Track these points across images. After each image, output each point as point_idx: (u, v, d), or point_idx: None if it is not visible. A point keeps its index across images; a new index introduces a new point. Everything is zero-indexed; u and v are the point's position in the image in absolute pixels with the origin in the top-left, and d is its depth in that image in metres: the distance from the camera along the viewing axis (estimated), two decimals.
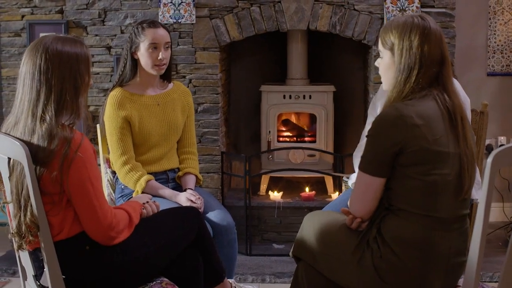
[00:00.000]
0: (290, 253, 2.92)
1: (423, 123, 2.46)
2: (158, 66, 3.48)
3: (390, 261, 2.49)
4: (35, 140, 2.44)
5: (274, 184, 5.33)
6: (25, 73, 2.50)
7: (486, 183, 2.29)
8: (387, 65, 2.64)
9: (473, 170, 2.57)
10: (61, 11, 4.84)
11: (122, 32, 4.83)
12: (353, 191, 2.66)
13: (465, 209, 2.59)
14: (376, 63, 2.75)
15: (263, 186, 5.26)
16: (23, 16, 4.86)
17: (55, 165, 2.42)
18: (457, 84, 3.52)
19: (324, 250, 2.70)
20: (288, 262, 4.66)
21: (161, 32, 3.49)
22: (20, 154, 2.40)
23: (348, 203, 2.85)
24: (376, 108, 3.46)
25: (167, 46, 3.50)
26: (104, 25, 4.85)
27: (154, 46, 3.45)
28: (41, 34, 4.80)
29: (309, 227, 2.81)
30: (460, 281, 2.64)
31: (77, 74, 2.51)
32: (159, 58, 3.45)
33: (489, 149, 5.32)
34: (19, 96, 2.52)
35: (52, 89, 2.46)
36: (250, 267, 4.58)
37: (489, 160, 2.26)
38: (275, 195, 5.12)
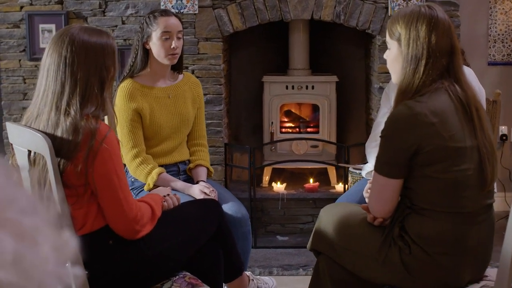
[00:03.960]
0: (308, 247, 2.87)
1: (438, 120, 2.39)
2: (172, 55, 3.41)
3: (421, 258, 2.44)
4: (59, 134, 2.37)
5: (277, 175, 5.28)
6: (50, 64, 2.43)
7: None
8: (394, 57, 2.57)
9: (494, 160, 2.51)
10: (60, 2, 4.75)
11: (123, 22, 4.76)
12: (371, 192, 2.61)
13: (490, 199, 2.55)
14: (384, 56, 2.67)
15: (266, 178, 5.21)
16: (22, 7, 4.76)
17: (80, 157, 2.37)
18: (471, 73, 3.49)
19: (346, 244, 2.65)
20: (294, 254, 4.63)
21: (174, 20, 3.43)
22: (43, 147, 2.34)
23: (367, 201, 2.81)
24: (390, 98, 3.41)
25: (179, 35, 3.44)
26: (104, 15, 4.77)
27: (166, 35, 3.39)
28: (41, 26, 4.72)
29: (328, 220, 2.76)
30: (487, 271, 2.62)
31: (103, 67, 2.45)
32: (172, 46, 3.39)
33: None
34: (42, 87, 2.45)
35: (77, 82, 2.40)
36: (256, 260, 4.54)
37: None
38: (279, 187, 5.08)
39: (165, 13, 3.45)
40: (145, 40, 3.43)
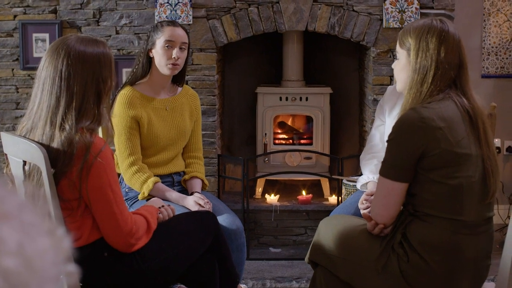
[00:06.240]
0: (306, 259, 2.87)
1: (445, 125, 2.43)
2: (172, 65, 3.38)
3: (418, 266, 2.45)
4: (53, 147, 2.34)
5: (270, 187, 5.26)
6: (45, 77, 2.39)
7: None
8: (402, 66, 2.62)
9: (497, 174, 2.54)
10: (54, 11, 4.72)
11: (117, 32, 4.73)
12: (374, 197, 2.62)
13: (490, 211, 2.58)
14: (392, 65, 2.73)
15: (259, 190, 5.19)
16: (15, 16, 4.72)
17: (74, 171, 2.34)
18: None
19: (344, 256, 2.65)
20: (287, 266, 4.60)
21: (179, 31, 3.41)
22: (38, 157, 2.31)
23: (369, 209, 2.81)
24: (384, 111, 3.41)
25: (183, 47, 3.41)
26: (98, 25, 4.74)
27: (169, 44, 3.37)
28: (34, 35, 4.70)
29: (327, 232, 2.76)
30: (485, 285, 2.62)
31: (99, 78, 2.42)
32: (173, 56, 3.37)
33: None
34: (37, 101, 2.42)
35: (73, 96, 2.37)
36: (249, 272, 4.51)
37: None
38: (272, 199, 5.05)
39: (173, 23, 3.44)
40: (150, 47, 3.41)
